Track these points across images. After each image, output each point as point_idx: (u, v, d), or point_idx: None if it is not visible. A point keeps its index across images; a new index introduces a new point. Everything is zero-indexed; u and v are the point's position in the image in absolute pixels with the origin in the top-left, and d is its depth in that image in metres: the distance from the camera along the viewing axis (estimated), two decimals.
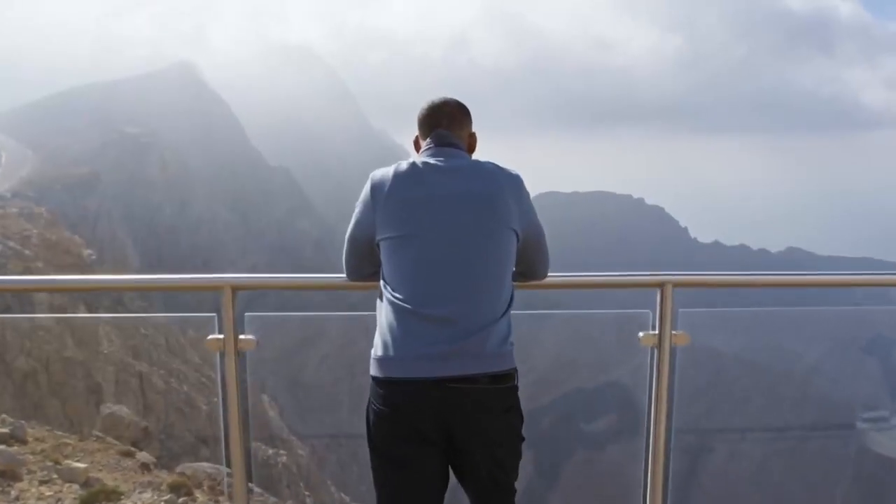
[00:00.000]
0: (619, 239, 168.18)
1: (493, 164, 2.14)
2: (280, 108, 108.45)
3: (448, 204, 2.02)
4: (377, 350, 2.00)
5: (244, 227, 59.50)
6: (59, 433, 5.35)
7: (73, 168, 40.72)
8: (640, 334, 2.68)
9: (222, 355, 2.56)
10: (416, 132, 2.26)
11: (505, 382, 1.99)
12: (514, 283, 2.10)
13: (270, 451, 15.06)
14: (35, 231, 20.25)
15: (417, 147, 2.24)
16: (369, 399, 2.03)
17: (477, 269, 1.99)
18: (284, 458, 15.52)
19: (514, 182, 2.11)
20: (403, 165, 2.10)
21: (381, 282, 2.08)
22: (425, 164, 2.09)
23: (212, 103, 73.03)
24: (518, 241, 2.10)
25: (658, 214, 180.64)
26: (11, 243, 17.74)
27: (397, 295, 1.99)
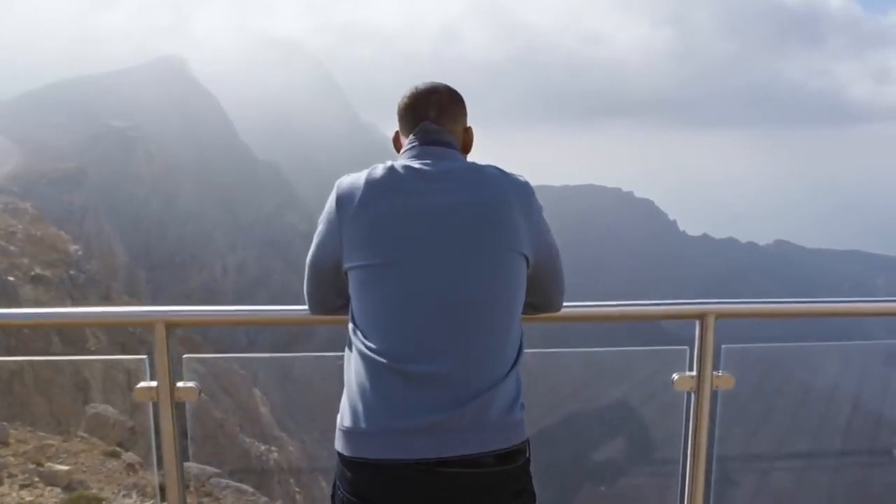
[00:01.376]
0: (609, 233, 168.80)
1: (495, 168, 1.66)
2: (268, 101, 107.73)
3: (437, 221, 1.55)
4: (344, 419, 1.52)
5: (232, 222, 59.15)
6: (43, 434, 5.25)
7: (59, 163, 40.24)
8: (675, 376, 2.25)
9: (155, 406, 2.13)
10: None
11: (515, 461, 1.51)
12: (522, 317, 1.63)
13: (262, 448, 15.03)
14: (20, 227, 20.00)
15: (398, 145, 1.78)
16: (334, 482, 1.55)
17: (476, 308, 1.53)
18: (276, 455, 15.48)
19: (523, 191, 1.64)
20: (379, 170, 1.63)
21: (350, 325, 1.60)
22: (407, 168, 1.62)
23: (199, 97, 72.41)
24: (528, 267, 1.63)
25: (648, 208, 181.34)
26: None
27: (370, 344, 1.52)
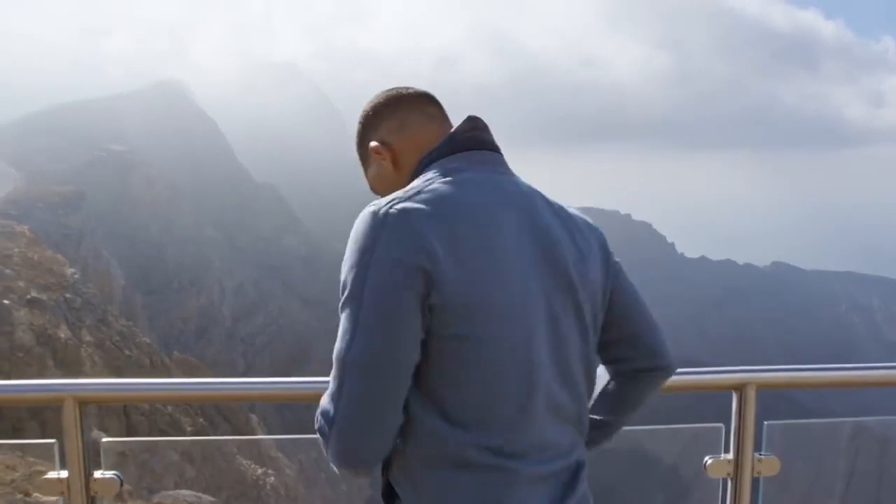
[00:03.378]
0: None
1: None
2: (266, 125, 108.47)
3: (538, 267, 1.19)
4: None
5: (230, 245, 59.06)
6: (32, 459, 5.02)
7: (57, 186, 40.25)
8: (708, 460, 1.88)
9: (66, 502, 1.77)
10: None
11: None
12: None
13: (259, 471, 14.80)
14: (16, 250, 19.90)
15: (400, 161, 1.33)
16: None
17: (583, 384, 1.25)
18: (273, 479, 15.22)
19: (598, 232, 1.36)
20: (454, 192, 1.18)
21: (424, 413, 1.15)
22: (486, 187, 1.21)
23: (198, 121, 72.82)
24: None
25: (646, 230, 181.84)
26: None
27: (480, 440, 1.13)
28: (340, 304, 1.15)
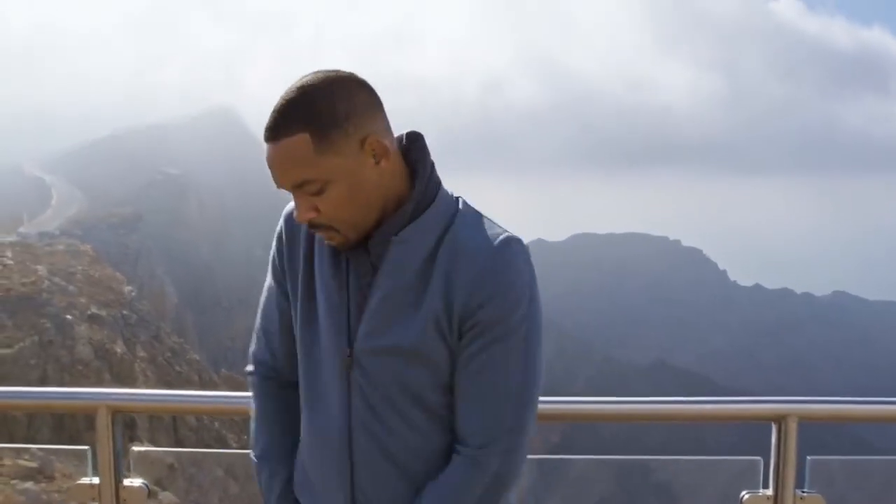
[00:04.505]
0: (654, 281, 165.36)
1: None
2: None
3: None
4: None
5: None
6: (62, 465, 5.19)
7: (118, 208, 42.12)
8: (745, 495, 1.77)
9: None
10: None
11: None
12: None
13: None
14: (80, 268, 20.86)
15: (391, 169, 1.13)
16: None
17: None
18: None
19: None
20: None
21: None
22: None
23: (248, 145, 75.18)
24: None
25: (695, 256, 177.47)
26: (57, 279, 18.28)
27: None
28: (512, 334, 1.10)
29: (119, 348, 15.95)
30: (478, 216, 1.15)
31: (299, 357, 1.23)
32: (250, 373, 1.36)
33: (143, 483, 1.83)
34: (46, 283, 17.41)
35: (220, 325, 45.43)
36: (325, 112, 1.06)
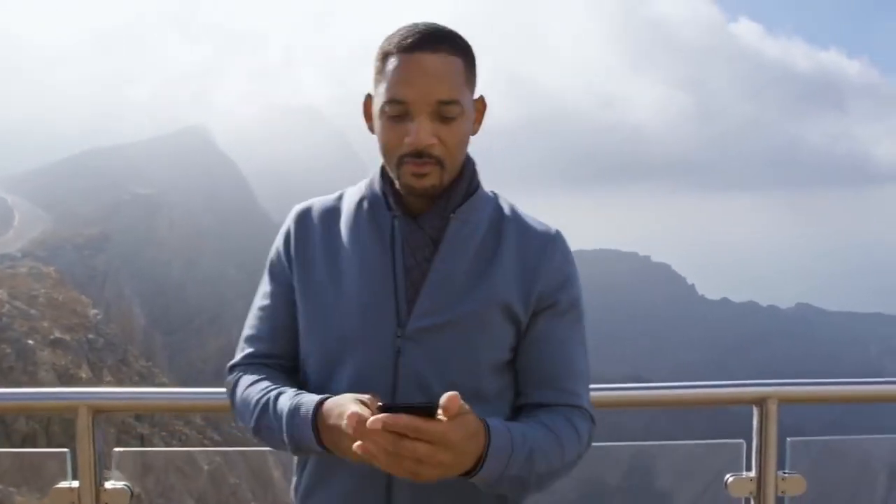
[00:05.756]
0: (625, 297, 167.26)
1: None
2: (287, 168, 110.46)
3: None
4: None
5: (251, 286, 59.34)
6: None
7: (85, 228, 41.20)
8: (729, 478, 1.80)
9: None
10: None
11: None
12: None
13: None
14: (42, 291, 20.31)
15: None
16: None
17: None
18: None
19: None
20: None
21: None
22: None
23: (220, 165, 74.50)
24: None
25: (665, 272, 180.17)
26: (18, 303, 17.76)
27: None
28: (575, 321, 1.17)
29: (84, 373, 15.52)
30: (510, 203, 1.23)
31: (315, 357, 1.16)
32: (238, 364, 1.24)
33: (125, 486, 1.76)
34: (7, 307, 16.90)
35: (191, 347, 44.54)
36: (471, 52, 1.11)
